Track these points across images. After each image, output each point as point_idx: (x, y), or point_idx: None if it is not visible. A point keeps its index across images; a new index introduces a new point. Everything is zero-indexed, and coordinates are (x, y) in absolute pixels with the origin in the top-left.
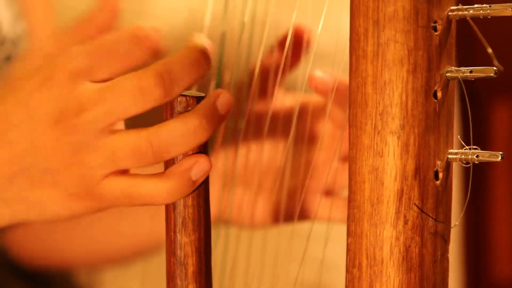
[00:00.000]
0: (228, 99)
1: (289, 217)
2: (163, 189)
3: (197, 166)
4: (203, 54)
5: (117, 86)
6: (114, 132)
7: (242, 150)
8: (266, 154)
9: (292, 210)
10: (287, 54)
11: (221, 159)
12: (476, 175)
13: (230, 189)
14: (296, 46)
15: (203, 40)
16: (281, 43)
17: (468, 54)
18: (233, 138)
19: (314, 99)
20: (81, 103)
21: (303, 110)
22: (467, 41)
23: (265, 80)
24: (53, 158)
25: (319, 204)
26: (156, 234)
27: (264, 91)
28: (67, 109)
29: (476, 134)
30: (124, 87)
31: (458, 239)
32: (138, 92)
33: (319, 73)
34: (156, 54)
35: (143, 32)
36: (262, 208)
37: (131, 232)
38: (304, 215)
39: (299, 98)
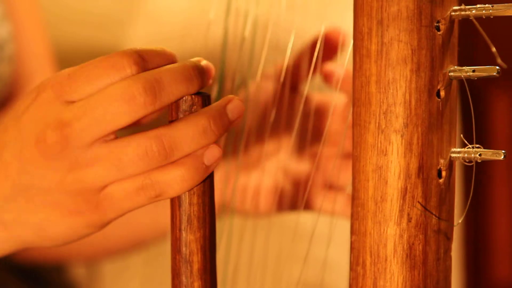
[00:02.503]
0: (239, 106)
1: (293, 206)
2: (178, 175)
3: (209, 151)
4: (197, 69)
5: (103, 96)
6: (113, 140)
7: (245, 140)
8: (271, 143)
9: (297, 199)
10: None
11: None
12: (476, 174)
13: (234, 178)
14: (328, 49)
15: (201, 60)
16: (312, 46)
17: (469, 54)
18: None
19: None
20: (61, 119)
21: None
22: (467, 40)
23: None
24: (45, 177)
25: (324, 196)
26: (158, 224)
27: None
28: (48, 126)
29: (476, 133)
30: (111, 95)
31: (458, 239)
32: (126, 100)
33: (329, 65)
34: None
35: (127, 60)
36: (266, 195)
37: (133, 221)
38: (308, 206)
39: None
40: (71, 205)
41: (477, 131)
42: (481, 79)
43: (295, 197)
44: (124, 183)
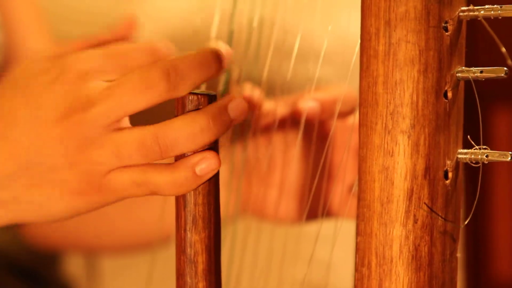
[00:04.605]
0: (242, 105)
1: (313, 215)
2: (169, 180)
3: (204, 162)
4: (215, 56)
5: (124, 80)
6: (120, 128)
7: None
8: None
9: (316, 208)
10: None
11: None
12: (476, 175)
13: (257, 184)
14: None
15: (218, 45)
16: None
17: (472, 54)
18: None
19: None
20: (90, 98)
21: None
22: (470, 41)
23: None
24: (57, 155)
25: (347, 202)
26: (166, 225)
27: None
28: (75, 104)
29: (478, 134)
30: (130, 81)
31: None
32: (143, 85)
33: (304, 105)
34: None
35: (156, 47)
36: (288, 203)
37: (144, 218)
38: (328, 213)
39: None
40: (75, 184)
41: (477, 132)
42: (486, 80)
43: (316, 205)
44: (124, 174)
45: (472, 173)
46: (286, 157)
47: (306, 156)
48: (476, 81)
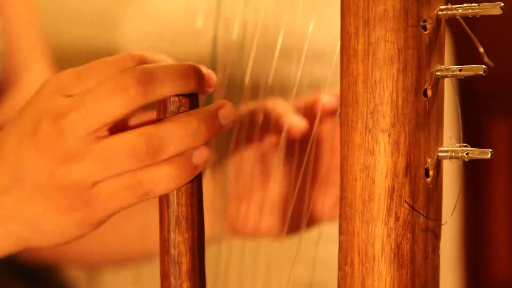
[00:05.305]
0: (231, 111)
1: (296, 227)
2: (165, 173)
3: (198, 151)
4: (194, 71)
5: (99, 88)
6: (105, 137)
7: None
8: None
9: (299, 219)
10: None
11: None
12: (476, 174)
13: (236, 201)
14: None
15: (201, 66)
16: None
17: (469, 53)
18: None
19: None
20: (58, 110)
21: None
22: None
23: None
24: (38, 172)
25: (331, 208)
26: (147, 240)
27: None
28: (42, 117)
29: (476, 134)
30: (105, 87)
31: (458, 238)
32: (116, 90)
33: (325, 98)
34: None
35: (130, 60)
36: (269, 218)
37: (136, 233)
38: (312, 221)
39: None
40: (63, 200)
41: (475, 132)
42: (480, 80)
43: (299, 218)
44: (112, 182)
45: (472, 173)
46: (268, 174)
47: (290, 170)
48: (477, 82)
